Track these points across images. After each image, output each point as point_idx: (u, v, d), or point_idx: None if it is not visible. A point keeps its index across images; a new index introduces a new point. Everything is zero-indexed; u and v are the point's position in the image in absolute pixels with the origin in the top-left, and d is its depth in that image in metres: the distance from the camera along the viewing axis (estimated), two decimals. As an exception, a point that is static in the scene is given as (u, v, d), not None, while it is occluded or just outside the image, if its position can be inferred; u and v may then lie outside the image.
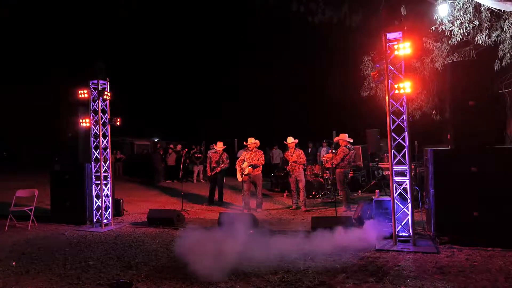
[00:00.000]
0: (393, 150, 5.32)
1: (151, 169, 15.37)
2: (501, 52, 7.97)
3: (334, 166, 8.34)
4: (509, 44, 7.73)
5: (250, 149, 8.57)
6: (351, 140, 8.54)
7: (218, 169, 9.47)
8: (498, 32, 7.82)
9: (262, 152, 8.74)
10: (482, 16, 7.83)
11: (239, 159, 8.79)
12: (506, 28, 7.48)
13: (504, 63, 8.02)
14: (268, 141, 15.61)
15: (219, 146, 9.60)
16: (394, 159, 5.35)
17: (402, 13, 5.03)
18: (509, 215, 4.83)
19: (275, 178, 12.05)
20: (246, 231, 5.70)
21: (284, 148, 13.87)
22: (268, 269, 4.26)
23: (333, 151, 8.57)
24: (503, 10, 7.20)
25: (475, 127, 5.01)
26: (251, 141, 8.56)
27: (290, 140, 8.65)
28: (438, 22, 8.31)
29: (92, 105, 7.11)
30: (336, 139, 8.49)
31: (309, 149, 14.98)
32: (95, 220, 7.08)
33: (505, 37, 7.68)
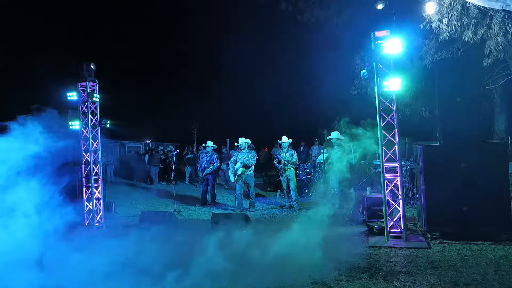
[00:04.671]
0: (383, 147, 5.37)
1: (147, 171, 15.17)
2: (487, 49, 8.10)
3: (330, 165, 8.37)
4: (494, 41, 7.85)
5: (242, 149, 8.57)
6: (343, 138, 8.60)
7: (209, 171, 9.39)
8: (484, 29, 7.94)
9: (254, 153, 8.74)
10: (470, 14, 7.95)
11: (231, 159, 8.78)
12: (493, 25, 7.60)
13: (490, 59, 8.15)
14: (262, 141, 15.63)
15: (209, 145, 9.54)
16: (385, 156, 5.40)
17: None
18: (498, 209, 4.92)
19: (267, 177, 12.06)
20: (238, 231, 5.69)
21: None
22: (261, 268, 4.26)
23: (324, 150, 8.62)
24: (489, 8, 7.31)
25: (463, 123, 5.08)
26: (242, 141, 8.55)
27: (285, 139, 8.71)
28: (426, 19, 8.41)
29: (82, 107, 7.02)
30: (328, 138, 8.54)
31: (301, 148, 15.03)
32: (86, 224, 6.99)
33: (490, 34, 7.80)
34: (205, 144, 9.68)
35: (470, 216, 4.96)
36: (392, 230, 5.37)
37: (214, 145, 9.66)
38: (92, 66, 6.97)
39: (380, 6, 5.11)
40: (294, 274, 4.09)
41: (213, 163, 9.42)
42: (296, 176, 9.25)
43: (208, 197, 9.66)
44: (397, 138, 5.33)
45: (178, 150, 11.64)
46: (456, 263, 4.21)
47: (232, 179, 8.54)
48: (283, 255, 4.69)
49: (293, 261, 4.48)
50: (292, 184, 8.60)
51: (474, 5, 7.59)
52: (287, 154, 8.66)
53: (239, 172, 8.38)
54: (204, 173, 9.42)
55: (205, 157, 9.55)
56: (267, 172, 12.33)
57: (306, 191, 10.06)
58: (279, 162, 8.80)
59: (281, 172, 8.74)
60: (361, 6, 9.95)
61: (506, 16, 7.46)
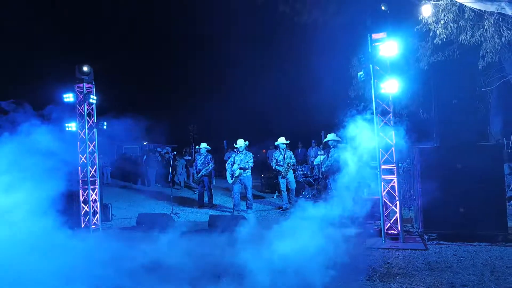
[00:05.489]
0: (380, 149, 5.39)
1: (145, 173, 15.00)
2: (483, 51, 8.15)
3: (328, 167, 8.39)
4: (490, 43, 7.91)
5: (240, 151, 8.57)
6: (340, 139, 8.61)
7: (204, 173, 9.40)
8: (480, 31, 7.99)
9: (252, 154, 8.74)
10: (466, 16, 8.01)
11: (229, 161, 8.78)
12: (487, 27, 7.66)
13: (485, 61, 8.20)
14: (260, 143, 15.60)
15: (202, 147, 9.55)
16: (382, 157, 5.41)
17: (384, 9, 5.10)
18: (494, 210, 4.94)
19: (265, 179, 12.05)
20: (235, 233, 5.69)
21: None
22: (257, 271, 4.24)
23: (322, 152, 8.63)
24: (484, 10, 7.37)
25: (459, 124, 5.12)
26: (241, 142, 8.56)
27: (282, 140, 8.73)
28: (423, 22, 8.45)
29: (78, 109, 7.00)
30: (325, 140, 8.56)
31: (299, 150, 15.04)
32: (83, 226, 6.96)
33: (486, 36, 7.86)
34: (199, 146, 9.69)
35: (467, 217, 4.99)
36: (389, 232, 5.38)
37: (208, 147, 9.65)
38: (87, 68, 6.94)
39: (383, 8, 5.13)
40: (289, 276, 4.08)
41: (207, 165, 9.42)
42: (294, 177, 9.26)
43: (206, 199, 9.65)
44: (394, 140, 5.35)
45: (175, 152, 11.60)
46: (452, 264, 4.22)
47: (230, 180, 8.55)
48: (279, 257, 4.67)
49: (289, 263, 4.47)
50: (292, 185, 8.66)
51: (470, 8, 7.65)
52: (286, 155, 8.70)
53: (236, 173, 8.38)
54: (199, 175, 9.43)
55: (200, 159, 9.55)
56: (264, 174, 12.32)
57: (303, 192, 10.07)
58: (277, 164, 8.76)
59: (283, 174, 8.73)
60: (358, 8, 10.00)
61: (500, 18, 7.52)
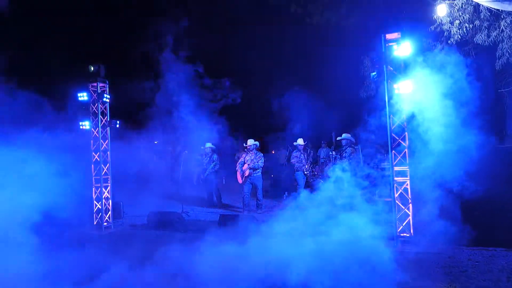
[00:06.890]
0: (393, 151, 5.32)
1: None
2: (500, 51, 7.96)
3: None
4: (507, 43, 7.72)
5: (250, 151, 8.59)
6: (354, 141, 8.54)
7: (209, 171, 9.44)
8: (496, 31, 7.81)
9: (262, 154, 8.75)
10: (481, 16, 7.84)
11: (239, 160, 8.81)
12: (503, 28, 7.48)
13: (502, 62, 8.01)
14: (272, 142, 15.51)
15: (207, 146, 9.58)
16: (395, 159, 5.35)
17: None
18: (510, 214, 4.83)
19: (275, 179, 12.01)
20: (246, 232, 5.68)
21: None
22: (266, 270, 4.22)
23: (333, 152, 8.59)
24: (501, 10, 7.21)
25: (475, 126, 5.01)
26: (251, 142, 8.58)
27: (301, 141, 8.84)
28: (437, 21, 8.31)
29: (92, 108, 7.10)
30: (339, 138, 8.52)
31: (308, 150, 14.91)
32: (95, 223, 7.05)
33: (503, 36, 7.68)
34: (204, 146, 9.74)
35: (482, 221, 4.88)
36: (402, 235, 5.31)
37: (213, 146, 9.68)
38: (100, 67, 7.04)
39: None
40: (298, 278, 4.05)
41: (212, 163, 9.47)
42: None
43: (214, 198, 9.69)
44: (407, 141, 5.28)
45: (187, 151, 11.61)
46: (467, 269, 4.14)
47: (240, 180, 8.59)
48: (286, 259, 4.62)
49: (295, 266, 4.42)
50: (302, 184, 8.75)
51: (486, 8, 7.49)
52: (306, 154, 8.87)
53: (246, 173, 8.40)
54: (205, 174, 9.48)
55: (205, 158, 9.60)
56: (274, 174, 12.28)
57: (313, 192, 10.02)
58: (299, 162, 8.87)
59: (305, 171, 8.91)
60: (371, 8, 9.88)
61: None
